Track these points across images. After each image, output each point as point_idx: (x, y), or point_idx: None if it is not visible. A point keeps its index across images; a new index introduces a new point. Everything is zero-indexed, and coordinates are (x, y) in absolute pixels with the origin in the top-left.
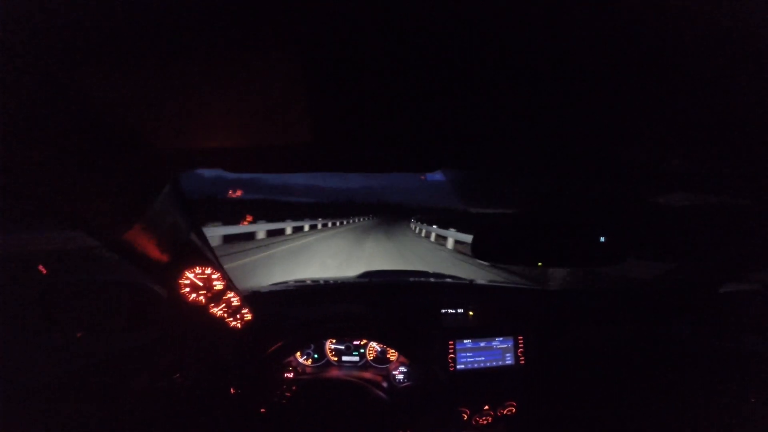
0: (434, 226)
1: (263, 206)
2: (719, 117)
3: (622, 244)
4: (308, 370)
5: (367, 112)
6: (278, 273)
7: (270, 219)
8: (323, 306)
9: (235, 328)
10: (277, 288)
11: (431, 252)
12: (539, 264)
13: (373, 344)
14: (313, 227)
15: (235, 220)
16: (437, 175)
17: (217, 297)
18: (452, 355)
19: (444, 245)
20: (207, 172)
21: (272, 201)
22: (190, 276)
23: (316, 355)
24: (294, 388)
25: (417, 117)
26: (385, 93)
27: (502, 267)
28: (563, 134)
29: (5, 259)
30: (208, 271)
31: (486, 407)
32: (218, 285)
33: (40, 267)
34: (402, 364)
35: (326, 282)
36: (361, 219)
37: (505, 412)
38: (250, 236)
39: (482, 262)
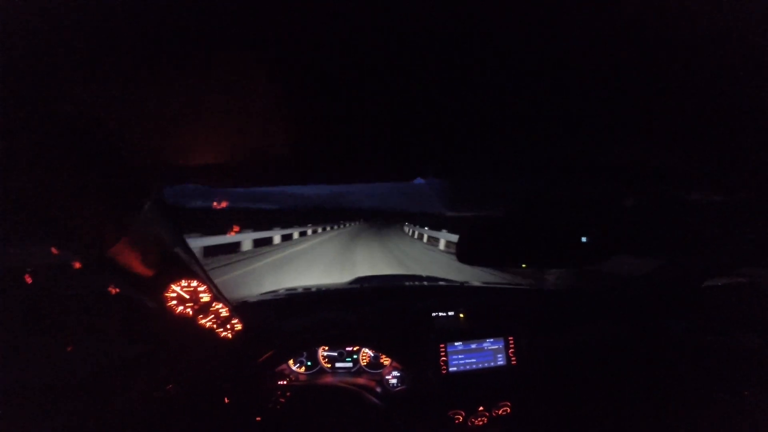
0: (426, 228)
1: (244, 215)
2: (703, 113)
3: (604, 243)
4: (302, 377)
5: (345, 123)
6: (268, 285)
7: (256, 228)
8: (314, 314)
9: (225, 338)
10: (267, 297)
11: (423, 253)
12: (523, 266)
13: (366, 350)
14: (302, 234)
15: (217, 230)
16: (420, 180)
17: (204, 309)
18: (444, 358)
19: (436, 246)
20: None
21: (247, 210)
22: (177, 289)
23: (309, 363)
24: (288, 394)
25: (396, 127)
26: (362, 105)
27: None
28: (541, 135)
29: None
30: (194, 283)
31: (481, 408)
32: (205, 297)
33: (27, 276)
34: (395, 369)
35: (318, 289)
36: (348, 224)
37: (500, 412)
38: (234, 247)
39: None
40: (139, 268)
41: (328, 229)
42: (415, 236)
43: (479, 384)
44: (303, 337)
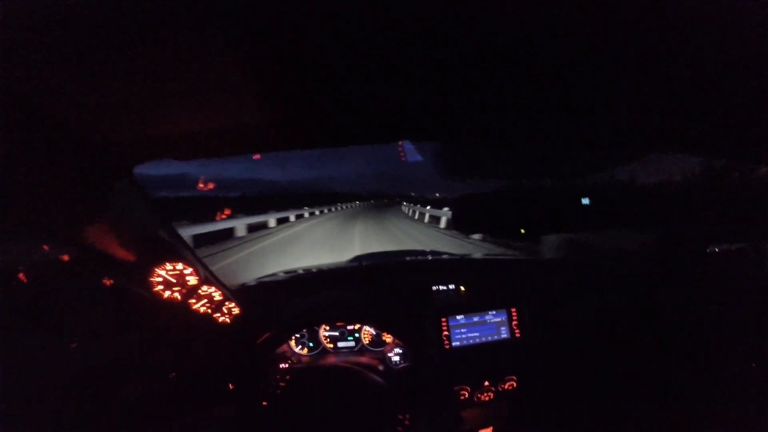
0: (428, 207)
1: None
2: (699, 79)
3: (605, 206)
4: (304, 359)
5: (322, 82)
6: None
7: (249, 213)
8: (313, 293)
9: (224, 323)
10: (266, 280)
11: (423, 232)
12: (522, 231)
13: (368, 328)
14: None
15: (206, 219)
16: (417, 157)
17: (193, 292)
18: (446, 333)
19: (437, 226)
20: (169, 171)
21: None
22: (162, 273)
23: (311, 344)
24: (288, 378)
25: (371, 86)
26: (335, 62)
27: (494, 241)
28: (531, 100)
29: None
30: (180, 266)
31: (486, 383)
32: (192, 280)
33: (20, 275)
34: (397, 346)
35: (318, 269)
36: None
37: (506, 387)
38: (225, 235)
39: (476, 236)
40: (121, 252)
41: (324, 211)
42: (416, 216)
43: (483, 358)
44: (301, 317)
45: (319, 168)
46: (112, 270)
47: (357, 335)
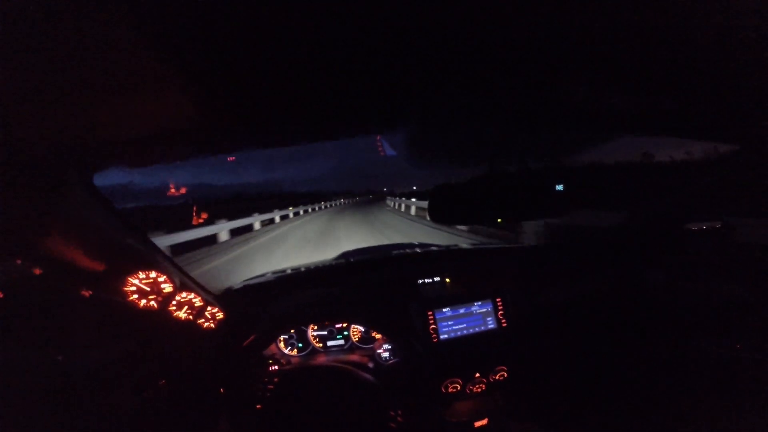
0: (413, 200)
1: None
2: (672, 53)
3: (577, 191)
4: (294, 360)
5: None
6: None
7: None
8: (297, 293)
9: (209, 328)
10: (251, 282)
11: (409, 225)
12: (498, 220)
13: (356, 326)
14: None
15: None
16: (392, 151)
17: (169, 300)
18: (433, 326)
19: (425, 217)
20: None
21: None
22: (135, 282)
23: (300, 344)
24: (276, 380)
25: (329, 80)
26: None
27: (483, 230)
28: (501, 78)
29: None
30: (153, 274)
31: (477, 375)
32: (167, 288)
33: None
34: (386, 341)
35: (305, 268)
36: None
37: (497, 377)
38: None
39: (461, 227)
40: (87, 263)
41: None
42: (402, 209)
43: (472, 350)
44: (285, 317)
45: (284, 168)
46: (85, 281)
47: (346, 333)
